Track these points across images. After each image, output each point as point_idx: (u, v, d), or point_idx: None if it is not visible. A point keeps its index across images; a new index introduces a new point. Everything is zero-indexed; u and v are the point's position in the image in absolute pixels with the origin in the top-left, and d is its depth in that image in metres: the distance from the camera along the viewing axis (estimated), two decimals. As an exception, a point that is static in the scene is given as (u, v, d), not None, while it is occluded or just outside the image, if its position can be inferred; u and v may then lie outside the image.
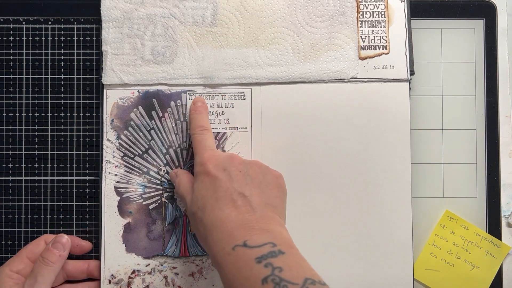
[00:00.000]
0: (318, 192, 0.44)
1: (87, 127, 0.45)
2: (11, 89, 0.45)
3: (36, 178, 0.45)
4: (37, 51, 0.45)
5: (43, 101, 0.45)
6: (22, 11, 0.46)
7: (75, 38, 0.46)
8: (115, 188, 0.44)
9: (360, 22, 0.45)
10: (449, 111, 0.47)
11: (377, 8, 0.45)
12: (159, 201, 0.44)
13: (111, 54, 0.44)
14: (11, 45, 0.45)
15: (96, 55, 0.45)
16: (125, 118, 0.44)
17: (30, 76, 0.45)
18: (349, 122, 0.44)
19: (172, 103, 0.44)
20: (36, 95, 0.45)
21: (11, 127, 0.45)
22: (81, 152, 0.45)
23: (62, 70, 0.45)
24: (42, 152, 0.45)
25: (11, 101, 0.45)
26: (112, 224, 0.44)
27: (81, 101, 0.45)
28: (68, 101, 0.45)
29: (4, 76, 0.45)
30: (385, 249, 0.44)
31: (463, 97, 0.47)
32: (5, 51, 0.45)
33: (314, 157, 0.44)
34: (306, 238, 0.44)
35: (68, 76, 0.45)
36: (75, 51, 0.46)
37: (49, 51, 0.45)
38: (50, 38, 0.46)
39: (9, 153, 0.45)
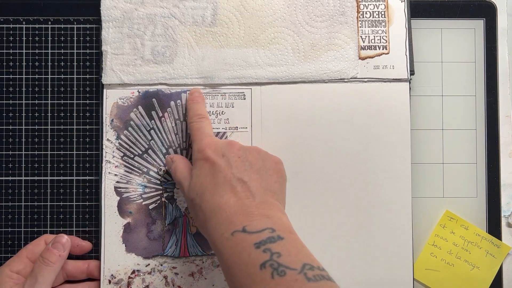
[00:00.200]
0: (318, 192, 0.44)
1: (87, 127, 0.45)
2: (11, 89, 0.45)
3: (36, 178, 0.45)
4: (37, 51, 0.45)
5: (43, 101, 0.45)
6: (22, 11, 0.46)
7: (75, 38, 0.46)
8: (115, 188, 0.44)
9: (360, 22, 0.45)
10: (449, 111, 0.47)
11: (377, 8, 0.45)
12: (159, 201, 0.44)
13: (111, 54, 0.44)
14: (11, 45, 0.45)
15: (96, 55, 0.45)
16: (125, 118, 0.44)
17: (30, 76, 0.45)
18: (349, 122, 0.44)
19: (172, 103, 0.44)
20: (36, 95, 0.45)
21: (11, 127, 0.45)
22: (81, 152, 0.45)
23: (62, 70, 0.45)
24: (42, 152, 0.45)
25: (11, 101, 0.45)
26: (112, 224, 0.44)
27: (81, 101, 0.45)
28: (68, 101, 0.45)
29: (4, 76, 0.45)
30: (385, 249, 0.44)
31: (463, 97, 0.47)
32: (5, 51, 0.45)
33: (314, 157, 0.44)
34: (305, 238, 0.43)
35: (68, 76, 0.45)
36: (75, 51, 0.46)
37: (49, 51, 0.45)
38: (50, 38, 0.46)
39: (9, 153, 0.45)
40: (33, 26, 0.46)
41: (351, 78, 0.44)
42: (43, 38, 0.46)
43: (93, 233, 0.45)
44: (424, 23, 0.47)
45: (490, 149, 0.46)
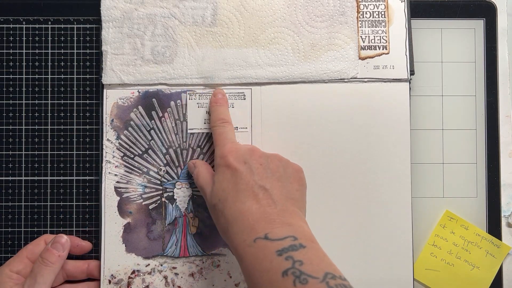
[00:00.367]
0: (318, 192, 0.44)
1: (87, 127, 0.45)
2: (11, 89, 0.45)
3: (36, 178, 0.45)
4: (37, 51, 0.45)
5: (43, 101, 0.45)
6: (22, 11, 0.46)
7: (75, 38, 0.46)
8: (115, 188, 0.44)
9: (360, 22, 0.45)
10: (449, 111, 0.47)
11: (377, 8, 0.45)
12: (159, 201, 0.44)
13: (111, 54, 0.44)
14: (11, 45, 0.45)
15: (96, 55, 0.45)
16: (125, 118, 0.44)
17: (30, 76, 0.45)
18: (349, 122, 0.44)
19: (172, 103, 0.44)
20: (36, 95, 0.45)
21: (11, 127, 0.45)
22: (81, 152, 0.45)
23: (62, 70, 0.45)
24: (42, 152, 0.45)
25: (11, 101, 0.45)
26: (112, 224, 0.44)
27: (81, 101, 0.45)
28: (68, 101, 0.45)
29: (4, 76, 0.45)
30: (385, 249, 0.44)
31: (463, 97, 0.47)
32: (5, 51, 0.45)
33: (314, 157, 0.44)
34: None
35: (68, 76, 0.45)
36: (75, 51, 0.46)
37: (49, 51, 0.45)
38: (50, 38, 0.46)
39: (9, 153, 0.45)
40: (33, 26, 0.46)
41: (351, 78, 0.44)
42: (43, 38, 0.46)
43: (93, 233, 0.45)
44: (424, 23, 0.47)
45: (490, 149, 0.46)
